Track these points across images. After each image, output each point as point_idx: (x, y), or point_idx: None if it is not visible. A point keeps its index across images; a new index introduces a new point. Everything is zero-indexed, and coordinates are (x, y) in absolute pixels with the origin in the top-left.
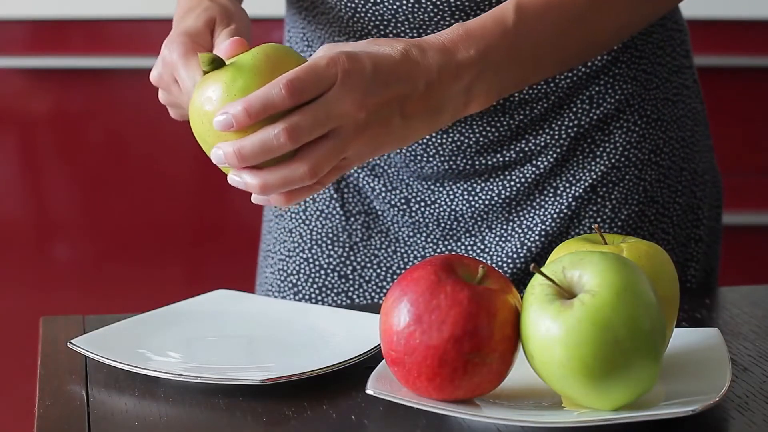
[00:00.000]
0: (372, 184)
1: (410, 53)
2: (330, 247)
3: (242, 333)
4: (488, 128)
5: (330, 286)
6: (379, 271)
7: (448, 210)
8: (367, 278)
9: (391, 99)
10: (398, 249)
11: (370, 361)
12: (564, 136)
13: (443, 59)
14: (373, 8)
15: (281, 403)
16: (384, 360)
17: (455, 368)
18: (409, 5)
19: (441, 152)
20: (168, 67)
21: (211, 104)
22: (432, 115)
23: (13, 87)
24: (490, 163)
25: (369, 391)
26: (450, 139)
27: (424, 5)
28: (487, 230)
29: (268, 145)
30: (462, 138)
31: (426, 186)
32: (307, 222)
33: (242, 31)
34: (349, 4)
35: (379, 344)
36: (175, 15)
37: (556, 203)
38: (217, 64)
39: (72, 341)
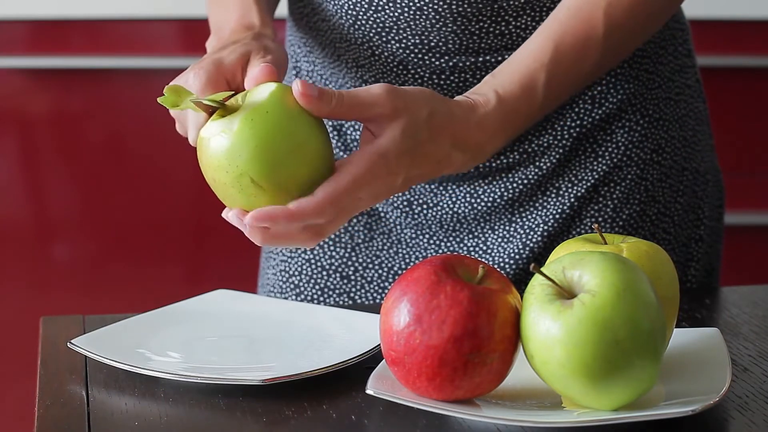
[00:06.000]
0: None
1: (451, 159)
2: (332, 248)
3: (242, 333)
4: None
5: (332, 286)
6: (380, 272)
7: (451, 212)
8: (368, 279)
9: (410, 180)
10: (400, 250)
11: (370, 361)
12: (566, 136)
13: (470, 158)
14: (375, 15)
15: (281, 403)
16: (384, 360)
17: (455, 368)
18: (411, 12)
19: None
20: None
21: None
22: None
23: (13, 87)
24: (493, 165)
25: (369, 391)
26: None
27: (425, 12)
28: (489, 231)
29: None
30: None
31: (428, 188)
32: None
33: (278, 65)
34: (349, 12)
35: (379, 344)
36: (212, 38)
37: (558, 203)
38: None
39: (72, 341)
